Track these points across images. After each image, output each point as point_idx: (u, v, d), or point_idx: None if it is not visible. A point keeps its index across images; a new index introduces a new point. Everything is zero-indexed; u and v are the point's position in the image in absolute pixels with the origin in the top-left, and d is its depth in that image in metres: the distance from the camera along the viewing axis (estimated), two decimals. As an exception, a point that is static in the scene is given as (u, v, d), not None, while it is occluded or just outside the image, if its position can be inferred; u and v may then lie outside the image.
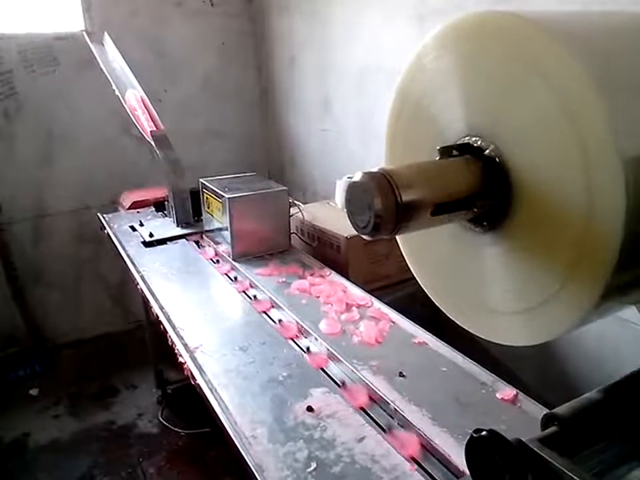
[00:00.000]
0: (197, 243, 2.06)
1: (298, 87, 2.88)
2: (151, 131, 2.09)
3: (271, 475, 0.91)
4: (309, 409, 1.07)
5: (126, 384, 2.73)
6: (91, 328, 3.05)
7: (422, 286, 0.69)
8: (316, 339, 1.33)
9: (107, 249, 2.59)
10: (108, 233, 2.21)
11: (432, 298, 0.68)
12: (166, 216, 2.32)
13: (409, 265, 0.71)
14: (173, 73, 3.00)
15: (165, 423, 2.41)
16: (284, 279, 1.69)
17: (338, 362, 1.24)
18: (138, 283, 1.72)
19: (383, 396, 1.10)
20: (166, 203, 2.28)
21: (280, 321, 1.44)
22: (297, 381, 1.18)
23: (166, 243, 2.05)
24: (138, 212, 2.42)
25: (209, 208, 2.02)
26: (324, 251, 1.93)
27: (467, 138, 0.57)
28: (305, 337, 1.37)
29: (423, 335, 1.32)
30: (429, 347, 1.29)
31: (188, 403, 2.33)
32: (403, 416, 1.04)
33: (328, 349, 1.28)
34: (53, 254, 2.92)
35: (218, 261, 1.88)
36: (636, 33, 0.54)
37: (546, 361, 1.72)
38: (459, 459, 0.91)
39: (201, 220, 2.14)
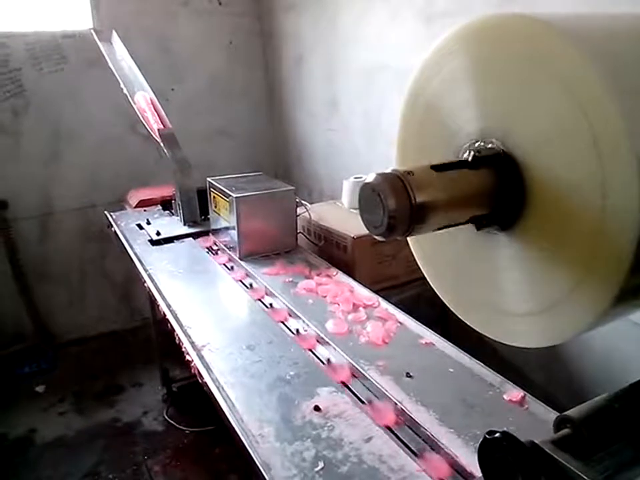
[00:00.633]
0: (209, 248, 2.01)
1: (305, 87, 2.88)
2: (158, 130, 2.10)
3: (278, 474, 0.91)
4: (316, 408, 1.08)
5: (131, 381, 2.74)
6: (96, 325, 3.07)
7: (433, 287, 0.69)
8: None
9: (112, 247, 2.60)
10: (115, 231, 2.22)
11: (443, 299, 0.68)
12: (173, 215, 2.33)
13: (421, 266, 0.71)
14: (180, 72, 3.01)
15: (169, 420, 2.42)
16: (290, 279, 1.69)
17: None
18: (145, 281, 1.72)
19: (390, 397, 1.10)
20: (173, 201, 2.29)
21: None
22: (304, 380, 1.18)
23: (173, 242, 2.06)
24: (145, 210, 2.43)
25: (216, 207, 2.02)
26: (330, 251, 1.93)
27: (480, 140, 0.57)
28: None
29: (430, 335, 1.32)
30: (436, 348, 1.28)
31: (193, 400, 2.34)
32: (411, 417, 1.04)
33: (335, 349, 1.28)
34: (58, 251, 2.94)
35: (232, 268, 1.83)
36: None
37: (554, 361, 1.71)
38: (465, 459, 0.91)
39: (208, 219, 2.14)
